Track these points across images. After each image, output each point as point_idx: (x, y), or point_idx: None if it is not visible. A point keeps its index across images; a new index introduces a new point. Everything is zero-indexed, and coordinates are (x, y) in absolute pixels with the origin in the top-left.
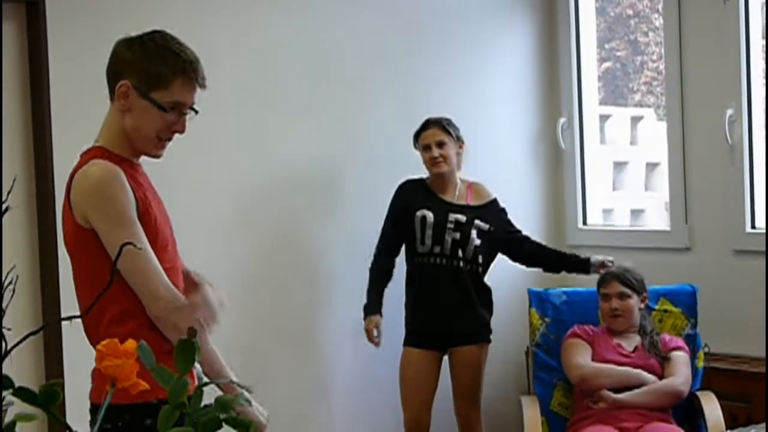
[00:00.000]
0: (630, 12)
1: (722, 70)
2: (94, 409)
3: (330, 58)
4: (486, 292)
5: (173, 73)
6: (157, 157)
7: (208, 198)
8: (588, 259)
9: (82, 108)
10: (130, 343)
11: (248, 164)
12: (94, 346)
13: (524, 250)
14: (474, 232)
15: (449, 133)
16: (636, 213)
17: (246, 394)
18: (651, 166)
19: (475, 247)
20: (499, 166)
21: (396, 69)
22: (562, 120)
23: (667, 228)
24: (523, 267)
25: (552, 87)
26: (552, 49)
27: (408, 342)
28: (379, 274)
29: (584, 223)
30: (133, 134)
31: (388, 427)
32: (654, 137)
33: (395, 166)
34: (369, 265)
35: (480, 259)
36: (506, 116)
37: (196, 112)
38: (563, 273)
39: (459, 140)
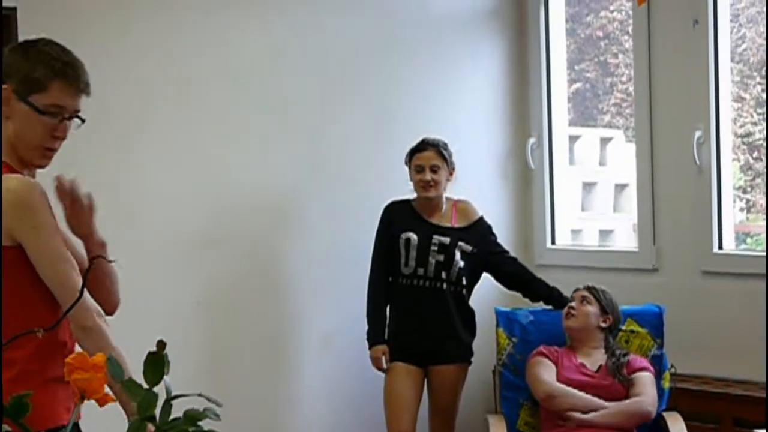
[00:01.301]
0: (600, 34)
1: (691, 92)
2: None
3: (301, 76)
4: (469, 314)
5: (52, 76)
6: (43, 167)
7: (183, 213)
8: (562, 302)
9: None
10: (99, 357)
11: (222, 177)
12: None
13: (506, 272)
14: (458, 254)
15: (444, 159)
16: (604, 233)
17: (215, 408)
18: (620, 187)
19: (459, 269)
20: (468, 185)
21: (367, 88)
22: (531, 140)
23: (635, 249)
24: (497, 286)
25: (522, 107)
26: (522, 69)
27: (393, 357)
28: (378, 300)
29: (553, 242)
30: (17, 142)
31: None
32: (623, 158)
33: (365, 181)
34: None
35: (464, 281)
36: (476, 135)
37: (83, 120)
38: None
39: (451, 166)
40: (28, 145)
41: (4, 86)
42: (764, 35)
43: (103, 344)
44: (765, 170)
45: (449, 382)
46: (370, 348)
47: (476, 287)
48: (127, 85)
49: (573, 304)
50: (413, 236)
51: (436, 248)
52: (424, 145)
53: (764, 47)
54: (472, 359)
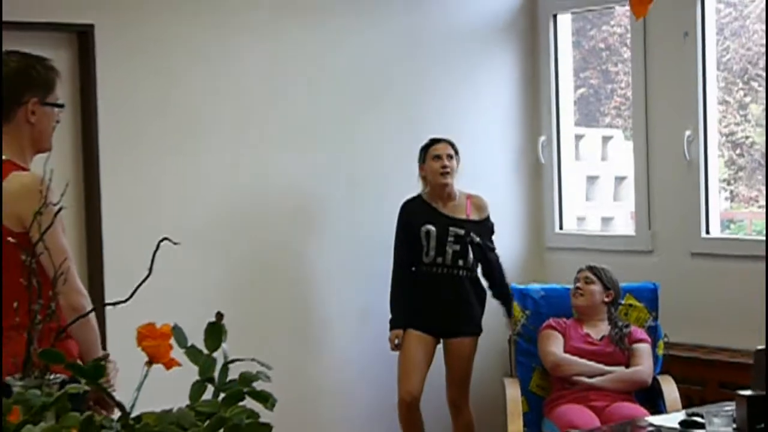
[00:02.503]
0: (602, 45)
1: (682, 96)
2: None
3: (331, 81)
4: (482, 292)
5: (56, 77)
6: (50, 149)
7: (228, 204)
8: (509, 311)
9: (125, 121)
10: (165, 327)
11: (265, 175)
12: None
13: (489, 266)
14: (469, 246)
15: (455, 151)
16: (606, 220)
17: (266, 371)
18: (619, 180)
19: (473, 257)
20: (486, 178)
21: (394, 95)
22: (541, 138)
23: (633, 233)
24: (513, 265)
25: (533, 109)
26: (534, 76)
27: (408, 325)
28: (401, 288)
29: (560, 228)
30: (39, 137)
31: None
32: (622, 154)
33: (393, 180)
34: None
35: (477, 266)
36: (493, 134)
37: (62, 105)
38: (541, 270)
39: (458, 158)
40: (46, 136)
41: (31, 102)
42: (746, 47)
43: (89, 324)
44: (765, 165)
45: (466, 352)
46: (390, 330)
47: None
48: (185, 94)
49: (579, 284)
50: (432, 228)
51: (452, 239)
52: (438, 139)
53: (745, 57)
54: (484, 332)
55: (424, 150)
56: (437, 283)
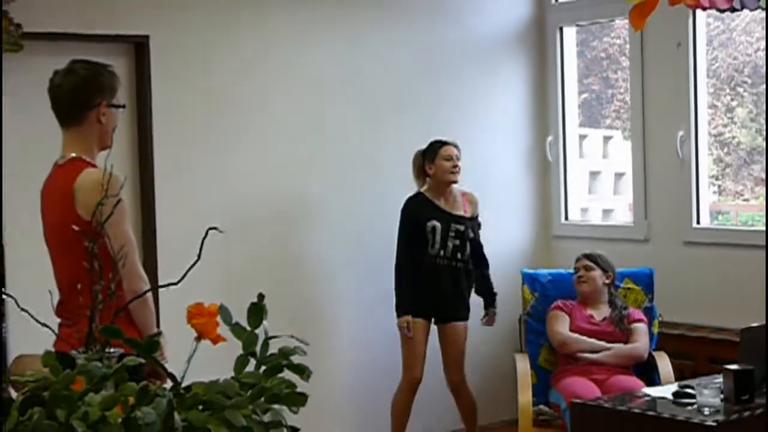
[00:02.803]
0: (603, 55)
1: (675, 101)
2: None
3: (361, 89)
4: (471, 280)
5: (118, 82)
6: (110, 146)
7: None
8: (490, 304)
9: (176, 123)
10: (213, 306)
11: (283, 177)
12: (63, 315)
13: (480, 261)
14: (467, 241)
15: (459, 152)
16: (606, 211)
17: (303, 346)
18: (618, 175)
19: (469, 251)
20: (500, 174)
21: (418, 99)
22: (549, 138)
23: (631, 223)
24: (523, 251)
25: (542, 112)
26: (542, 82)
27: (408, 313)
28: (406, 279)
29: (566, 218)
30: (104, 136)
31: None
32: (621, 153)
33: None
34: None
35: (470, 258)
36: (506, 134)
37: (124, 106)
38: (549, 256)
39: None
40: (111, 135)
41: (101, 105)
42: (733, 56)
43: (146, 305)
44: (765, 161)
45: (462, 335)
46: (399, 317)
47: (506, 252)
48: (229, 100)
49: (580, 273)
50: (437, 224)
51: (453, 234)
52: (445, 142)
53: (732, 66)
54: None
55: (435, 150)
56: (439, 273)
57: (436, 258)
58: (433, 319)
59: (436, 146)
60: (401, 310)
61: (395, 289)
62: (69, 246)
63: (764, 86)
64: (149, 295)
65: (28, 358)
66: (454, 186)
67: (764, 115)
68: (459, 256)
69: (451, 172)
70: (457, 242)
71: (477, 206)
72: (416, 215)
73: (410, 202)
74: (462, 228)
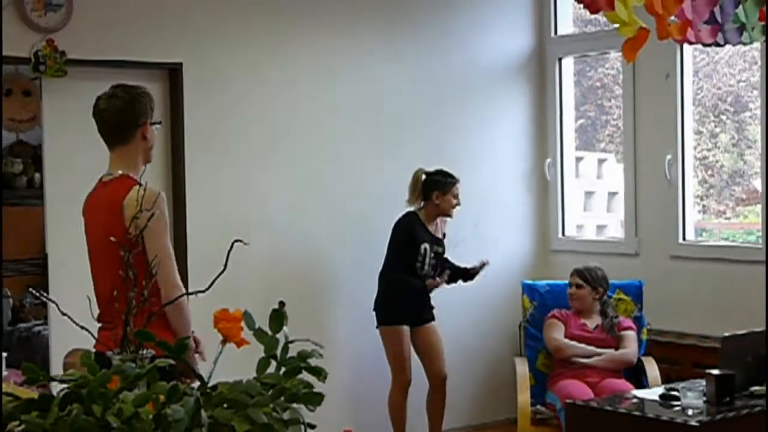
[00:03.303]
0: (598, 84)
1: (664, 127)
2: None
3: (374, 113)
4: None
5: (153, 102)
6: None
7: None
8: (466, 269)
9: (207, 143)
10: (237, 312)
11: (303, 193)
12: (104, 320)
13: (453, 269)
14: (440, 261)
15: None
16: (600, 227)
17: (319, 349)
18: (611, 194)
19: (441, 267)
20: (502, 193)
21: (423, 123)
22: (548, 160)
23: (622, 239)
24: (523, 264)
25: (541, 136)
26: (542, 109)
27: (392, 322)
28: (395, 291)
29: (563, 234)
30: (146, 153)
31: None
32: (614, 174)
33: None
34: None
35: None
36: (508, 157)
37: (161, 122)
38: (547, 268)
39: None
40: (151, 150)
41: (145, 124)
42: (717, 86)
43: (180, 311)
44: (764, 172)
45: (437, 332)
46: (384, 325)
47: (507, 264)
48: (256, 121)
49: (571, 290)
50: (428, 247)
51: (433, 255)
52: (455, 178)
53: (716, 95)
54: (496, 314)
55: (448, 185)
56: (420, 287)
57: (422, 278)
58: (411, 325)
59: (450, 181)
60: (386, 321)
61: (383, 299)
62: (113, 256)
63: (745, 114)
64: (185, 302)
65: (81, 350)
66: None
67: (745, 141)
68: (432, 272)
69: (451, 208)
70: (434, 263)
71: (446, 225)
72: (413, 235)
73: (407, 220)
74: (441, 250)
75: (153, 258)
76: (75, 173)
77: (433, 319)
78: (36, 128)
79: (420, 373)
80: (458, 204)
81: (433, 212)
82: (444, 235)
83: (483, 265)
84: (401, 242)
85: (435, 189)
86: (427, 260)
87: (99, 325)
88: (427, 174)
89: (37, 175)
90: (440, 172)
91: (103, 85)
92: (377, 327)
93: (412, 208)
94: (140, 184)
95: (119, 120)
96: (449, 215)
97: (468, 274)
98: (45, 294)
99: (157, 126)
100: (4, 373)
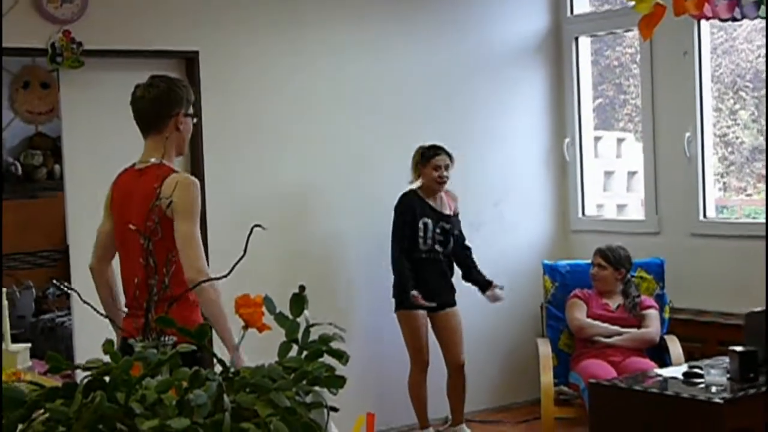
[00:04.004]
0: (616, 63)
1: (682, 104)
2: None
3: (394, 95)
4: (452, 272)
5: (192, 96)
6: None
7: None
8: (490, 282)
9: (223, 131)
10: (258, 297)
11: (316, 178)
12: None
13: (466, 255)
14: (451, 238)
15: (452, 161)
16: (620, 207)
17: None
18: (631, 174)
19: (452, 246)
20: (521, 174)
21: (445, 104)
22: (567, 140)
23: (643, 218)
24: (544, 243)
25: (560, 116)
26: (560, 88)
27: (407, 307)
28: (407, 269)
29: (583, 214)
30: (181, 143)
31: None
32: (633, 153)
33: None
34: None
35: (452, 253)
36: (527, 137)
37: (195, 116)
38: (567, 248)
39: (453, 165)
40: (186, 142)
41: (179, 110)
42: (735, 63)
43: (206, 298)
44: (765, 158)
45: (458, 319)
46: (410, 293)
47: (528, 245)
48: (271, 109)
49: (594, 271)
50: (429, 222)
51: (439, 231)
52: (440, 150)
53: (735, 72)
54: (517, 296)
55: (427, 157)
56: (428, 267)
57: (426, 253)
58: (430, 310)
59: (430, 153)
60: (400, 305)
61: (394, 283)
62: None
63: (764, 90)
64: (211, 290)
65: None
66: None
67: (764, 117)
68: (442, 250)
69: (436, 182)
70: (441, 238)
71: (457, 202)
72: (410, 212)
73: (404, 198)
74: (448, 226)
75: (178, 241)
76: (94, 164)
77: (453, 303)
78: (54, 120)
79: (441, 357)
80: (442, 177)
81: (426, 187)
82: (456, 213)
83: (495, 294)
84: (399, 223)
85: (419, 162)
86: (430, 235)
87: (125, 312)
88: (421, 148)
89: (56, 167)
90: (430, 146)
91: (121, 75)
92: (395, 311)
93: (414, 186)
94: (176, 172)
95: (153, 108)
96: (433, 189)
97: (485, 288)
98: (67, 284)
99: (194, 119)
100: (28, 363)
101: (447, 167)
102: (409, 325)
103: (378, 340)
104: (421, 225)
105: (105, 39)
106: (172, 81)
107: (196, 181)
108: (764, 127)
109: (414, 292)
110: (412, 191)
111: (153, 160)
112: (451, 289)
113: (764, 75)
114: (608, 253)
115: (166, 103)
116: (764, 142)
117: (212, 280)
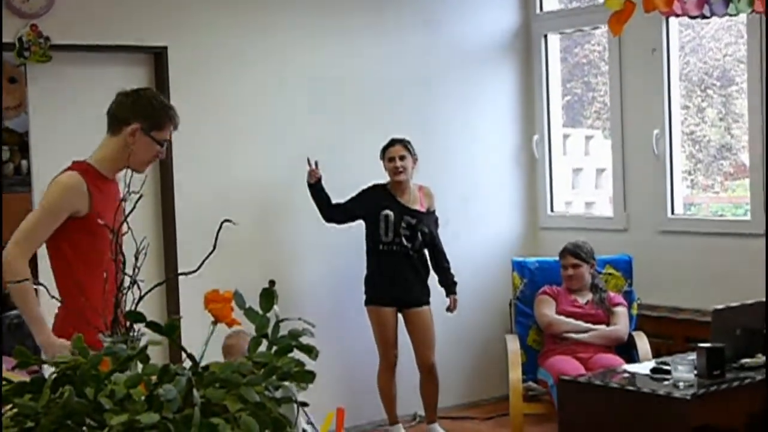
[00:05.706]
0: (584, 60)
1: (650, 102)
2: None
3: (359, 90)
4: (427, 268)
5: (167, 121)
6: (141, 172)
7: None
8: (451, 291)
9: (192, 126)
10: (228, 293)
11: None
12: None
13: (437, 254)
14: (419, 233)
15: (409, 151)
16: (588, 204)
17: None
18: (599, 171)
19: (420, 241)
20: (491, 170)
21: (412, 100)
22: (535, 137)
23: (611, 215)
24: (513, 239)
25: (529, 113)
26: (529, 86)
27: (375, 302)
28: (369, 266)
29: (551, 211)
30: (133, 159)
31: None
32: (601, 150)
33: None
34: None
35: (424, 248)
36: (496, 134)
37: (162, 143)
38: (536, 245)
39: (414, 156)
40: (140, 162)
41: (134, 125)
42: (703, 60)
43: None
44: (764, 155)
45: (429, 318)
46: (366, 306)
47: (497, 242)
48: (240, 104)
49: (569, 272)
50: (390, 213)
51: (405, 226)
52: (393, 142)
53: (702, 70)
54: (487, 292)
55: (384, 149)
56: (392, 259)
57: (388, 245)
58: (399, 306)
59: (386, 146)
60: (369, 300)
61: (366, 278)
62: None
63: (732, 88)
64: (13, 275)
65: (242, 332)
66: (411, 181)
67: (731, 115)
68: (410, 245)
69: (393, 172)
70: (408, 233)
71: (433, 199)
72: (372, 203)
73: (368, 188)
74: (414, 222)
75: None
76: (62, 159)
77: (426, 302)
78: (22, 115)
79: (413, 354)
80: (397, 167)
81: (391, 181)
82: (430, 211)
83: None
84: (364, 216)
85: (382, 158)
86: (392, 227)
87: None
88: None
89: (24, 162)
90: (389, 140)
91: (89, 70)
92: (365, 305)
93: (386, 181)
94: (74, 171)
95: (113, 109)
96: (396, 180)
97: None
98: (35, 280)
99: (158, 146)
100: None
101: (402, 158)
102: (377, 320)
103: (348, 335)
104: (382, 216)
105: (73, 33)
106: (150, 94)
107: (70, 183)
108: (731, 126)
109: (371, 308)
110: (380, 184)
111: (83, 158)
112: (424, 287)
113: (732, 73)
114: (578, 251)
115: (124, 109)
116: (731, 140)
117: (182, 275)
